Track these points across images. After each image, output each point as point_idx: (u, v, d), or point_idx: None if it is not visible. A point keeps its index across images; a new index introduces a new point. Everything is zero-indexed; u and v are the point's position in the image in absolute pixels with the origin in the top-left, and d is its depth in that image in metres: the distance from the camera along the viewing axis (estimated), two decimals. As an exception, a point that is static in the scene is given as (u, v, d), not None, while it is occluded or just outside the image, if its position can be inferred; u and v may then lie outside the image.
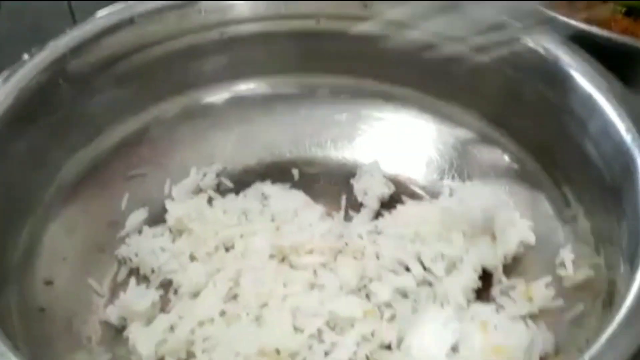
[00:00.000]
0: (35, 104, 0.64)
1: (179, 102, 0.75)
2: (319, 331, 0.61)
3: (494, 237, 0.66)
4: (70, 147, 0.69)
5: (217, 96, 0.77)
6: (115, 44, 0.70)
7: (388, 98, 0.77)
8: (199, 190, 0.74)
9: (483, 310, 0.61)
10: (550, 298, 0.61)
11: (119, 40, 0.70)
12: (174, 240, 0.69)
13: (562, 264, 0.63)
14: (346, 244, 0.67)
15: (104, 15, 0.70)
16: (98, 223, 0.70)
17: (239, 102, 0.77)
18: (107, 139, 0.72)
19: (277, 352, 0.59)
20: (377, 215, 0.72)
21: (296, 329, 0.61)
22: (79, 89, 0.68)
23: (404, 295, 0.64)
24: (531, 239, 0.65)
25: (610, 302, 0.54)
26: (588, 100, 0.61)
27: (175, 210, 0.70)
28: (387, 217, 0.70)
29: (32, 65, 0.64)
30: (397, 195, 0.73)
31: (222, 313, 0.62)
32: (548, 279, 0.62)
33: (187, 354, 0.60)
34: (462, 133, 0.73)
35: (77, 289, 0.65)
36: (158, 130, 0.75)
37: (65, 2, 0.97)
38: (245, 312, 0.62)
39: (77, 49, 0.67)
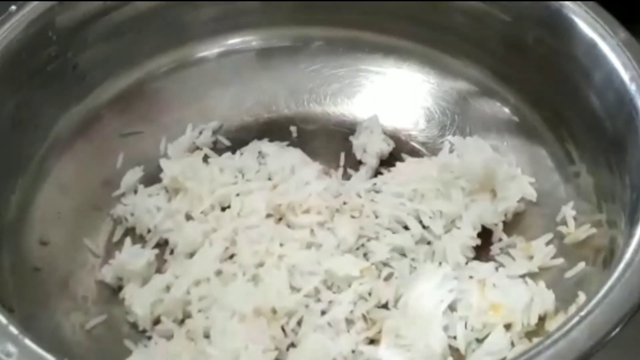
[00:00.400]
0: (24, 58, 0.63)
1: (172, 56, 0.74)
2: (316, 290, 0.60)
3: (494, 193, 0.64)
4: (63, 103, 0.68)
5: (210, 50, 0.75)
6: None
7: (388, 51, 0.75)
8: (195, 148, 0.73)
9: (482, 268, 0.60)
10: (550, 256, 0.60)
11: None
12: (169, 200, 0.68)
13: (564, 222, 0.61)
14: (344, 203, 0.66)
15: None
16: (93, 182, 0.69)
17: (233, 56, 0.75)
18: (100, 95, 0.71)
19: (274, 311, 0.58)
20: (376, 173, 0.70)
21: (293, 288, 0.60)
22: (69, 43, 0.66)
23: (402, 253, 0.63)
24: (532, 195, 0.64)
25: (611, 260, 0.53)
26: (592, 48, 0.59)
27: (170, 169, 0.68)
28: (386, 175, 0.68)
29: (20, 17, 0.63)
30: (396, 152, 0.71)
31: (218, 272, 0.61)
32: (549, 236, 0.61)
33: (183, 314, 0.60)
34: (464, 86, 0.71)
35: (72, 248, 0.65)
36: (152, 86, 0.74)
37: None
38: (241, 272, 0.61)
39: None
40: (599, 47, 0.58)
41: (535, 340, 0.55)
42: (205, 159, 0.71)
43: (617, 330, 0.43)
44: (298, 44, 0.75)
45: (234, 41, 0.75)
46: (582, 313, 0.43)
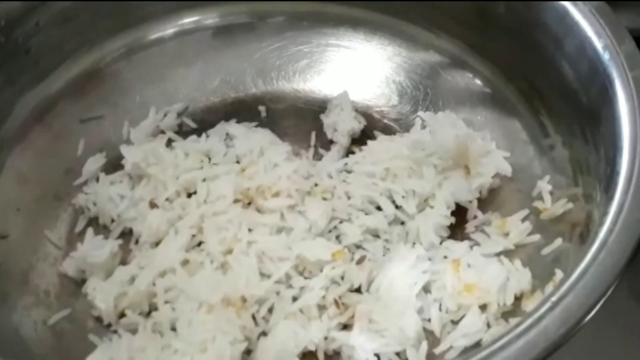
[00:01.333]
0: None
1: (129, 37, 0.71)
2: (287, 276, 0.58)
3: (467, 170, 0.62)
4: (17, 89, 0.65)
5: (167, 30, 0.72)
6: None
7: (356, 24, 0.72)
8: (159, 132, 0.70)
9: (456, 248, 0.58)
10: (527, 233, 0.58)
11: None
12: (133, 187, 0.65)
13: (540, 197, 0.59)
14: (315, 185, 0.64)
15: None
16: (53, 171, 0.66)
17: (193, 35, 0.72)
18: (56, 79, 0.68)
19: (243, 299, 0.56)
20: (348, 152, 0.68)
21: (263, 274, 0.58)
22: (19, 27, 0.63)
23: (375, 235, 0.61)
24: (507, 170, 0.62)
25: (587, 235, 0.51)
26: (564, 16, 0.56)
27: (132, 155, 0.66)
28: (358, 154, 0.66)
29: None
30: (368, 130, 0.69)
31: (185, 262, 0.59)
32: (525, 212, 0.59)
33: (149, 306, 0.58)
34: (436, 58, 0.69)
35: (32, 241, 0.62)
36: (111, 69, 0.71)
37: None
38: (209, 260, 0.59)
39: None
40: (571, 14, 0.56)
41: (512, 321, 0.53)
42: (169, 143, 0.68)
43: (590, 316, 0.41)
44: (255, 19, 0.72)
45: (191, 19, 0.72)
46: (554, 298, 0.41)
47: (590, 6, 0.55)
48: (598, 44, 0.53)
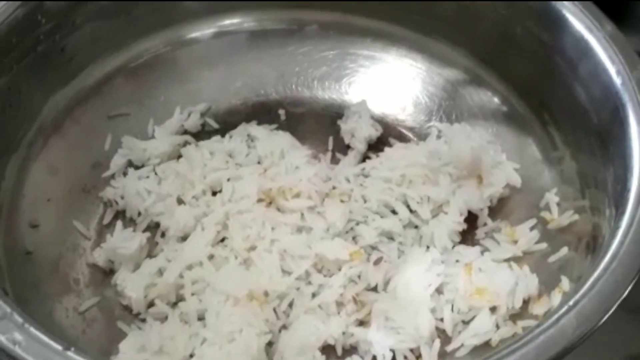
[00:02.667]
0: (13, 41, 0.62)
1: (162, 38, 0.74)
2: (307, 273, 0.62)
3: (480, 179, 0.66)
4: (51, 86, 0.68)
5: (201, 31, 0.75)
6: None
7: (377, 36, 0.75)
8: (183, 131, 0.73)
9: (468, 252, 0.62)
10: (534, 241, 0.62)
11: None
12: (160, 183, 0.68)
13: (547, 207, 0.63)
14: (333, 187, 0.67)
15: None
16: (82, 164, 0.69)
17: (224, 38, 0.75)
18: (88, 77, 0.71)
19: (266, 294, 0.59)
20: (365, 157, 0.71)
21: (284, 271, 0.61)
22: (58, 25, 0.66)
23: (390, 237, 0.64)
24: (517, 181, 0.66)
25: (594, 246, 0.55)
26: (579, 41, 0.60)
27: (159, 152, 0.69)
28: (374, 160, 0.69)
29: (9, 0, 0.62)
30: (384, 137, 0.73)
31: (211, 257, 0.62)
32: (533, 221, 0.63)
33: (176, 297, 0.61)
34: (452, 73, 0.72)
35: (63, 231, 0.65)
36: (140, 68, 0.74)
37: None
38: (233, 256, 0.62)
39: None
40: (586, 39, 0.59)
41: (520, 323, 0.57)
42: (185, 144, 0.71)
43: (604, 319, 0.45)
44: (292, 26, 0.75)
45: (226, 22, 0.75)
46: (571, 303, 0.45)
47: (605, 33, 0.59)
48: (611, 69, 0.57)
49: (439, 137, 0.70)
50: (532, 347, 0.43)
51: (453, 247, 0.63)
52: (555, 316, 0.45)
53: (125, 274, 0.62)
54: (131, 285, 0.60)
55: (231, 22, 0.76)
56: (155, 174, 0.69)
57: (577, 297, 0.46)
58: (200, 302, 0.59)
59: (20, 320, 0.46)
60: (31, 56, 0.64)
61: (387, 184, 0.66)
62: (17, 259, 0.61)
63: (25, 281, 0.59)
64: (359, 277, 0.61)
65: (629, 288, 0.46)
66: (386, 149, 0.70)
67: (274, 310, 0.59)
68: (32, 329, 0.46)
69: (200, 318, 0.59)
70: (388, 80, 0.75)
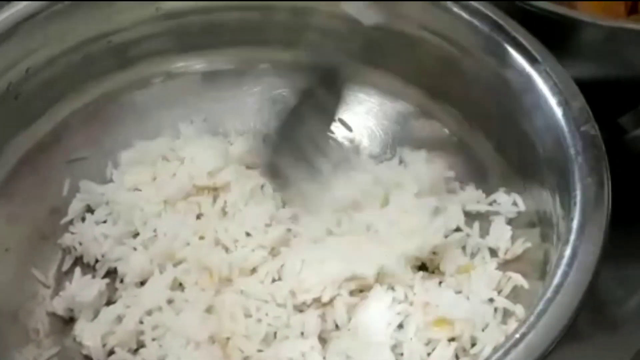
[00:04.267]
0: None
1: (118, 80, 0.74)
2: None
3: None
4: (7, 133, 0.68)
5: (153, 74, 0.76)
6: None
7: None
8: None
9: (426, 285, 0.62)
10: (488, 272, 0.63)
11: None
12: (115, 224, 0.68)
13: (502, 237, 0.64)
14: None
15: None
16: (40, 211, 0.69)
17: (178, 78, 0.76)
18: (45, 122, 0.71)
19: (228, 338, 0.59)
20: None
21: (246, 315, 0.61)
22: (11, 75, 0.66)
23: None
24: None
25: (544, 273, 0.56)
26: (522, 74, 0.62)
27: (115, 195, 0.69)
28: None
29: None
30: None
31: (170, 301, 0.62)
32: (486, 253, 0.64)
33: (137, 343, 0.61)
34: (404, 106, 0.74)
35: (21, 280, 0.65)
36: (97, 111, 0.74)
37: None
38: (193, 299, 0.62)
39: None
40: (528, 72, 0.61)
41: (473, 350, 0.58)
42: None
43: (551, 350, 0.46)
44: (243, 66, 0.76)
45: (178, 65, 0.76)
46: (517, 335, 0.46)
47: (546, 65, 0.61)
48: (552, 101, 0.59)
49: (400, 161, 0.71)
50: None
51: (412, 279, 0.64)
52: (503, 348, 0.46)
53: (84, 323, 0.61)
54: (90, 334, 0.60)
55: (184, 63, 0.76)
56: (112, 218, 0.69)
57: (523, 329, 0.47)
58: (161, 347, 0.59)
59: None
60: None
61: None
62: (-25, 310, 0.60)
63: (-17, 333, 0.59)
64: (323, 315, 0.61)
65: (574, 318, 0.47)
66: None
67: (239, 349, 0.59)
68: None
69: (161, 365, 0.59)
70: (342, 115, 0.76)
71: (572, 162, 0.56)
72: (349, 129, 0.76)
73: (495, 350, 0.46)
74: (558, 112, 0.58)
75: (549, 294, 0.48)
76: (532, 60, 0.61)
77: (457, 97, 0.70)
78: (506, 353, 0.45)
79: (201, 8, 0.74)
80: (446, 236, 0.64)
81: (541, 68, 0.60)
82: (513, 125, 0.63)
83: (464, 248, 0.65)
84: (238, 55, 0.76)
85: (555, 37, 0.64)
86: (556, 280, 0.49)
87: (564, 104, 0.58)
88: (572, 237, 0.51)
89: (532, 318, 0.47)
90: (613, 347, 0.65)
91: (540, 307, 0.47)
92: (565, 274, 0.49)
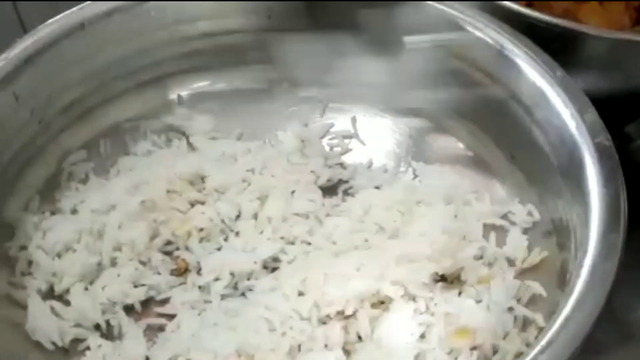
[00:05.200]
0: None
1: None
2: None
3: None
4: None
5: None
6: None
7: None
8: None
9: (445, 296, 0.63)
10: (507, 281, 0.64)
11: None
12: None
13: (518, 247, 0.66)
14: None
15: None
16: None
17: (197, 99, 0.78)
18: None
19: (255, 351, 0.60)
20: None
21: (270, 329, 0.62)
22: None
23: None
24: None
25: (563, 282, 0.58)
26: (533, 88, 0.64)
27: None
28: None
29: None
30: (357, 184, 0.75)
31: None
32: (504, 263, 0.65)
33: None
34: (417, 122, 0.75)
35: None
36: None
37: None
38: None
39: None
40: (539, 86, 0.63)
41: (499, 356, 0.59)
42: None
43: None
44: (263, 85, 0.78)
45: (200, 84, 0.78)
46: (543, 343, 0.48)
47: (556, 79, 0.62)
48: (565, 113, 0.61)
49: (415, 176, 0.72)
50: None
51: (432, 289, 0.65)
52: (529, 357, 0.47)
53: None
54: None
55: (203, 83, 0.78)
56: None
57: (549, 336, 0.48)
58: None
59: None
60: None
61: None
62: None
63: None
64: (346, 327, 0.63)
65: (596, 327, 0.48)
66: (361, 190, 0.72)
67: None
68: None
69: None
70: (357, 132, 0.78)
71: (587, 173, 0.57)
72: (363, 144, 0.77)
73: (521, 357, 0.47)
74: (571, 124, 0.60)
75: (570, 303, 0.50)
76: (542, 73, 0.63)
77: (470, 111, 0.71)
78: (533, 360, 0.47)
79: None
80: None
81: (552, 81, 0.62)
82: (526, 138, 0.65)
83: (481, 258, 0.66)
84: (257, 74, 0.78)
85: (560, 50, 0.65)
86: (577, 289, 0.50)
87: (577, 116, 0.60)
88: (591, 246, 0.53)
89: (555, 327, 0.48)
90: (629, 356, 0.66)
91: (563, 316, 0.49)
92: (586, 283, 0.50)
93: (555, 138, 0.61)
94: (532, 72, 0.64)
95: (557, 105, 0.61)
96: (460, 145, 0.73)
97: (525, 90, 0.64)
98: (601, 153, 0.58)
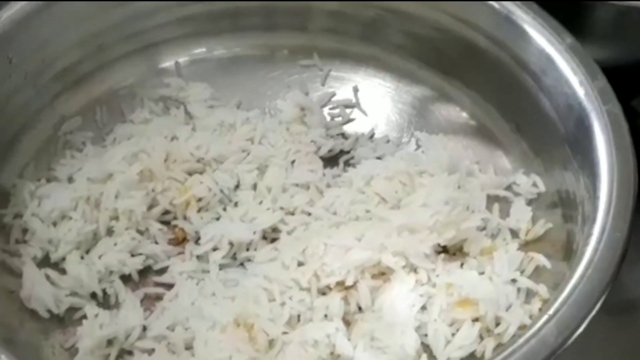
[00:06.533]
0: None
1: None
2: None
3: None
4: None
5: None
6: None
7: (345, 57, 0.77)
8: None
9: (448, 267, 0.62)
10: (510, 253, 0.63)
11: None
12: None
13: (522, 218, 0.65)
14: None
15: None
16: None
17: (195, 65, 0.77)
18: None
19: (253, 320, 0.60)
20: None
21: (270, 299, 0.61)
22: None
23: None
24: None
25: (569, 253, 0.57)
26: (542, 54, 0.62)
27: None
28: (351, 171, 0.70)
29: None
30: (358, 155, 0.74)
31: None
32: (507, 234, 0.64)
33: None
34: (420, 90, 0.74)
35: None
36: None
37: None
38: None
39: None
40: (548, 52, 0.61)
41: (498, 329, 0.58)
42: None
43: (583, 326, 0.46)
44: (264, 52, 0.77)
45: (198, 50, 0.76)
46: (550, 312, 0.47)
47: (565, 45, 0.61)
48: (574, 80, 0.59)
49: (418, 146, 0.71)
50: (517, 358, 0.44)
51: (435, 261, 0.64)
52: (537, 326, 0.46)
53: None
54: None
55: (201, 50, 0.77)
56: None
57: (556, 305, 0.47)
58: (187, 330, 0.60)
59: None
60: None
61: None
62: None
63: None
64: (347, 298, 0.62)
65: (605, 294, 0.47)
66: (362, 161, 0.71)
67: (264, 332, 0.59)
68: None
69: (188, 347, 0.59)
70: (359, 101, 0.76)
71: (596, 141, 0.56)
72: (365, 114, 0.76)
73: (528, 327, 0.47)
74: (580, 91, 0.58)
75: (579, 270, 0.49)
76: (551, 39, 0.61)
77: (474, 80, 0.70)
78: (538, 330, 0.46)
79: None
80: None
81: (561, 47, 0.61)
82: (533, 107, 0.63)
83: (484, 230, 0.65)
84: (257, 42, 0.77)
85: (567, 18, 0.64)
86: (586, 257, 0.49)
87: (586, 83, 0.58)
88: (600, 215, 0.52)
89: (564, 294, 0.48)
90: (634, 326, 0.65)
91: (571, 283, 0.48)
92: (595, 250, 0.49)
93: (563, 106, 0.60)
94: (540, 38, 0.62)
95: (566, 72, 0.60)
96: (464, 114, 0.72)
97: (532, 57, 0.63)
98: (611, 120, 0.56)
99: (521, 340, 0.46)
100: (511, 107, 0.67)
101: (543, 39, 0.62)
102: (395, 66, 0.75)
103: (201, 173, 0.70)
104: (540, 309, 0.57)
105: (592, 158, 0.56)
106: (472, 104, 0.71)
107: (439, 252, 0.64)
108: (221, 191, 0.69)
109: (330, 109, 0.77)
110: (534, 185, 0.66)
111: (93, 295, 0.64)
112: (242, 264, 0.65)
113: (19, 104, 0.68)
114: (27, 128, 0.70)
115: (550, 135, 0.62)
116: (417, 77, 0.74)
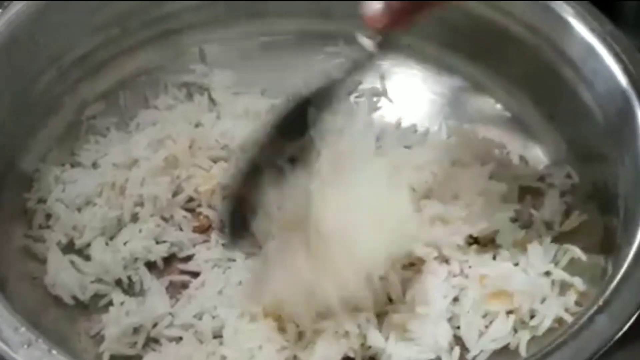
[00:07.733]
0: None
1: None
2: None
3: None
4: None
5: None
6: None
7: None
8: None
9: (480, 258, 0.61)
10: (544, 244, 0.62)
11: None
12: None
13: (556, 210, 0.63)
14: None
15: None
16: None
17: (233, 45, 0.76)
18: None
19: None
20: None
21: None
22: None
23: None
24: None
25: (608, 245, 0.56)
26: (582, 42, 0.61)
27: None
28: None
29: None
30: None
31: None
32: (540, 226, 0.63)
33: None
34: (452, 80, 0.73)
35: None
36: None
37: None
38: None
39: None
40: (588, 41, 0.60)
41: (532, 322, 0.57)
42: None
43: (634, 318, 0.45)
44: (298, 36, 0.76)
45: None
46: (600, 303, 0.46)
47: (606, 34, 0.59)
48: (616, 69, 0.58)
49: (448, 136, 0.70)
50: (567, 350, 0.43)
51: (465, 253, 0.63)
52: (586, 317, 0.45)
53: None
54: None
55: (225, 36, 0.76)
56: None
57: (606, 296, 0.46)
58: (215, 319, 0.59)
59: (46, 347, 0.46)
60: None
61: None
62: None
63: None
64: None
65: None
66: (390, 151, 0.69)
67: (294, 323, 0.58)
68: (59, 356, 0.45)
69: (216, 336, 0.58)
70: (387, 89, 0.75)
71: (638, 131, 0.54)
72: (392, 102, 0.75)
73: (577, 318, 0.45)
74: (623, 80, 0.57)
75: (627, 262, 0.48)
76: (591, 27, 0.60)
77: (510, 70, 0.69)
78: (589, 321, 0.45)
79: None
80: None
81: (602, 36, 0.59)
82: (570, 97, 0.62)
83: (517, 221, 0.64)
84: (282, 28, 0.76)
85: (604, 4, 0.62)
86: (634, 248, 0.48)
87: (629, 71, 0.57)
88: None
89: (613, 285, 0.46)
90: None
91: (620, 274, 0.47)
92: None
93: (604, 95, 0.59)
94: (580, 26, 0.61)
95: (607, 60, 0.59)
96: (498, 106, 0.70)
97: (572, 45, 0.61)
98: (655, 110, 0.55)
99: (572, 331, 0.44)
100: (547, 97, 0.66)
101: (583, 27, 0.61)
102: (425, 54, 0.74)
103: (226, 161, 0.69)
104: (575, 302, 0.56)
105: (634, 150, 0.54)
106: (506, 94, 0.70)
107: (470, 244, 0.63)
108: (247, 179, 0.68)
109: (357, 97, 0.75)
110: (568, 176, 0.65)
111: (118, 282, 0.63)
112: (268, 253, 0.64)
113: (42, 87, 0.67)
114: (51, 112, 0.69)
115: (588, 126, 0.61)
116: (448, 66, 0.73)
